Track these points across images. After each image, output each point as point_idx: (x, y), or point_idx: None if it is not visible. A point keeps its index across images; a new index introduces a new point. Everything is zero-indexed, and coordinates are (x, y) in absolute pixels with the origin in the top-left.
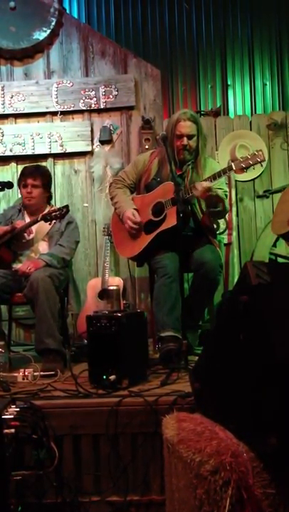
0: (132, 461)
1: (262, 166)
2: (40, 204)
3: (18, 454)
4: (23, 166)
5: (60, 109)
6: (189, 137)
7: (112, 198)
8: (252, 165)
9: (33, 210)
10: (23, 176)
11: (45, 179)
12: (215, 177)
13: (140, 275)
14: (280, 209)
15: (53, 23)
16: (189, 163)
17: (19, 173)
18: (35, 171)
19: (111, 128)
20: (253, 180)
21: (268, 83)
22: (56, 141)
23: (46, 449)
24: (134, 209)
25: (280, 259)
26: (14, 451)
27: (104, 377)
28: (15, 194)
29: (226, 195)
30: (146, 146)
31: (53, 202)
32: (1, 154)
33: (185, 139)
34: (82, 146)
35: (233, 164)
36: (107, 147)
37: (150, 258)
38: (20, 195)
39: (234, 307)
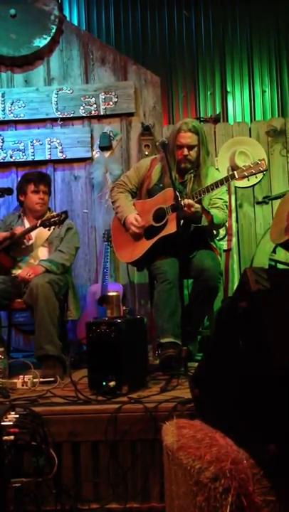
0: (132, 468)
1: (264, 174)
2: (46, 210)
3: (17, 461)
4: (23, 172)
5: (60, 116)
6: (189, 148)
7: (113, 202)
8: (254, 174)
9: (38, 216)
10: (33, 182)
11: (50, 186)
12: (217, 185)
13: (140, 281)
14: (277, 219)
15: (53, 31)
16: (191, 172)
17: (19, 179)
18: (45, 177)
19: (111, 134)
20: (253, 186)
21: (267, 90)
22: (56, 148)
23: (45, 456)
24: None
25: (279, 266)
26: (13, 458)
27: (104, 383)
28: (15, 200)
29: (226, 205)
30: (146, 153)
31: (52, 208)
32: (1, 160)
33: (185, 149)
34: (82, 153)
35: (235, 173)
36: (106, 153)
37: (150, 263)
38: (18, 202)
39: (234, 313)
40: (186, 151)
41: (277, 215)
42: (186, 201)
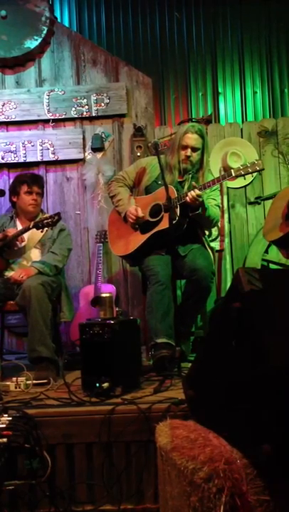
0: (126, 470)
1: (260, 174)
2: (39, 211)
3: (10, 464)
4: (15, 174)
5: (52, 117)
6: (193, 149)
7: (114, 196)
8: (251, 173)
9: (31, 218)
10: (27, 183)
11: (43, 187)
12: (214, 182)
13: (133, 282)
14: (272, 215)
15: (44, 32)
16: (190, 173)
17: (12, 180)
18: (39, 179)
19: (103, 136)
20: (245, 187)
21: (258, 91)
22: (48, 149)
23: (39, 458)
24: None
25: (272, 266)
26: (6, 460)
27: (98, 385)
28: (7, 202)
29: (219, 207)
30: (138, 154)
31: (45, 209)
32: None
33: (189, 150)
34: (74, 154)
35: (232, 171)
36: (99, 155)
37: (144, 259)
38: (10, 203)
39: (227, 314)
40: (189, 152)
41: (270, 212)
42: (195, 193)
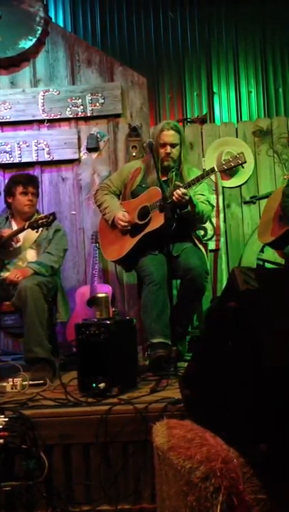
0: (123, 470)
1: (243, 167)
2: (34, 212)
3: (7, 465)
4: (10, 174)
5: (47, 117)
6: (172, 146)
7: (100, 205)
8: (233, 167)
9: (26, 218)
10: (22, 183)
11: (38, 188)
12: (198, 179)
13: (129, 282)
14: (265, 217)
15: (39, 32)
16: (173, 170)
17: (7, 181)
18: (34, 179)
19: (98, 136)
20: (240, 186)
21: (253, 90)
22: (43, 149)
23: (36, 459)
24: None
25: (267, 265)
26: (3, 461)
27: (94, 385)
28: (1, 203)
29: (208, 202)
30: (134, 154)
31: (40, 210)
32: None
33: (168, 147)
34: (69, 154)
35: (215, 166)
36: (94, 155)
37: (136, 262)
38: (5, 204)
39: (223, 313)
40: (168, 149)
41: (264, 213)
42: (181, 191)
